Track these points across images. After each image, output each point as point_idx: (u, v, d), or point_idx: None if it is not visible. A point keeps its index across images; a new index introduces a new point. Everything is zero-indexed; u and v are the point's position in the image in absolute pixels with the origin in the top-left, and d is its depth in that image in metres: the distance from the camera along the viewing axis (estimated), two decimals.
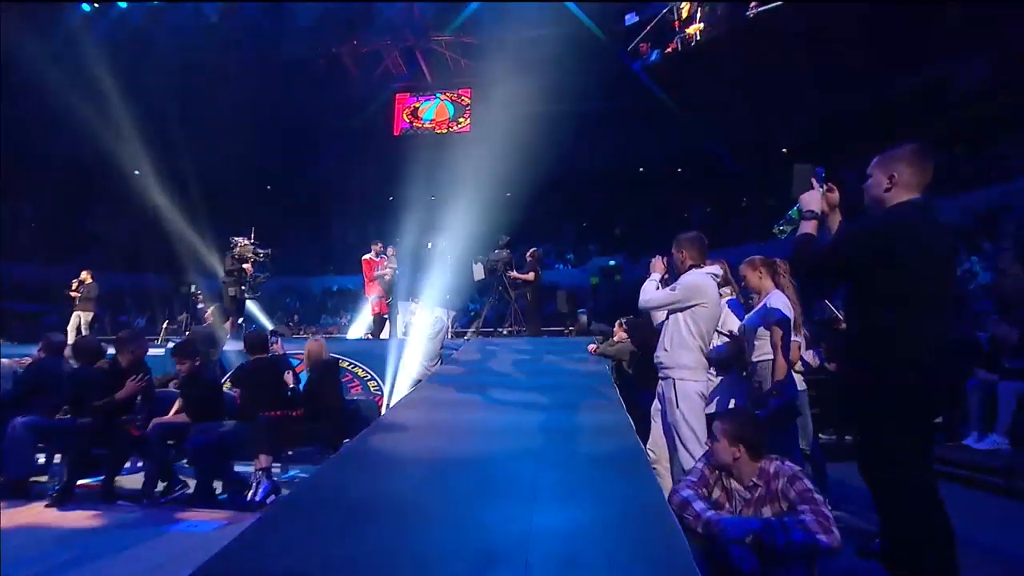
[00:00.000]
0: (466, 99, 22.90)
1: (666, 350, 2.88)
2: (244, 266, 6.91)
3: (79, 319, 9.25)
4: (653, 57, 18.98)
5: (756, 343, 3.11)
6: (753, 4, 16.59)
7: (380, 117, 22.96)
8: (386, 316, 8.16)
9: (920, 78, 15.34)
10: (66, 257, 18.53)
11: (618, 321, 4.95)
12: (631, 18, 19.39)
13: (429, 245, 8.63)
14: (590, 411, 3.18)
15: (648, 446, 2.98)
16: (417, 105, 23.39)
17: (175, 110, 19.48)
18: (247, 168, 22.82)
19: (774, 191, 19.93)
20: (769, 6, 16.26)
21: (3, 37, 14.16)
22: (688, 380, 2.79)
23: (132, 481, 3.98)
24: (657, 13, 18.65)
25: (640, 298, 3.01)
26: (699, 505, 1.98)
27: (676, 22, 18.47)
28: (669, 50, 18.58)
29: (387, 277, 8.02)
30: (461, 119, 23.04)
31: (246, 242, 7.06)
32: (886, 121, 15.16)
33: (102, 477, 3.70)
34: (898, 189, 1.88)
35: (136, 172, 21.94)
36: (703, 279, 2.89)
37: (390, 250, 8.42)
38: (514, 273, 7.79)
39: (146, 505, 3.51)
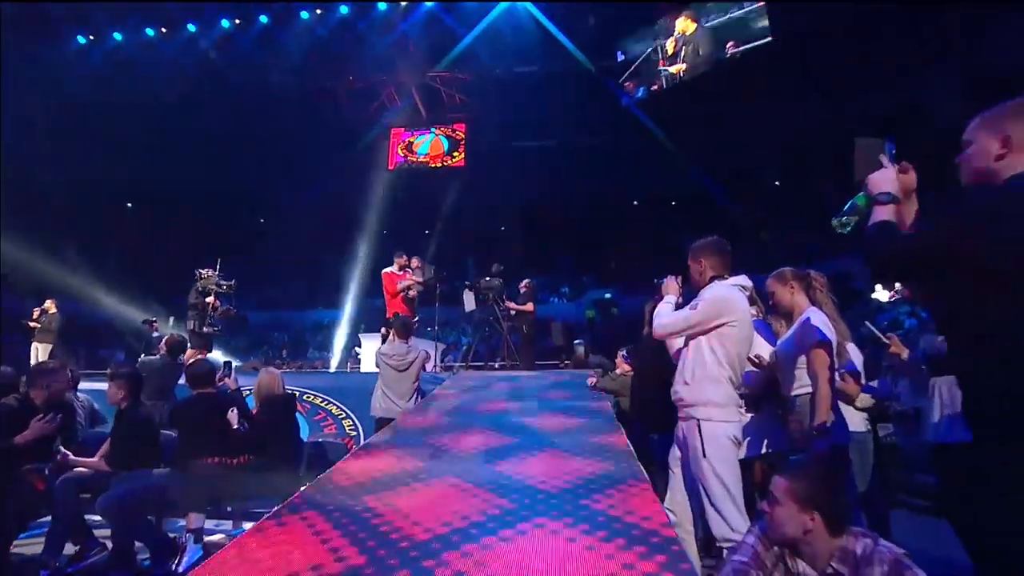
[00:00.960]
0: (460, 133, 22.89)
1: (687, 383, 2.31)
2: (207, 299, 6.36)
3: (37, 351, 8.62)
4: (640, 94, 19.11)
5: (795, 373, 2.52)
6: (730, 45, 16.73)
7: (374, 151, 22.86)
8: None
9: (897, 99, 15.31)
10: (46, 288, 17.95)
11: (620, 352, 4.37)
12: (619, 56, 19.61)
13: None
14: (594, 457, 2.57)
15: (666, 504, 2.37)
16: (412, 139, 23.37)
17: (166, 142, 19.34)
18: (240, 200, 22.63)
19: (765, 224, 19.90)
20: (745, 47, 16.36)
21: None
22: (716, 421, 2.22)
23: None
24: (642, 52, 18.86)
25: (654, 323, 2.48)
26: None
27: (661, 60, 18.66)
28: (655, 88, 18.73)
29: (412, 293, 7.05)
30: (456, 153, 22.97)
31: (210, 273, 6.53)
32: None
33: None
34: (1016, 155, 1.37)
35: (129, 205, 21.68)
36: (730, 292, 2.35)
37: (415, 261, 7.37)
38: (512, 304, 7.27)
39: None
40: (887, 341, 3.44)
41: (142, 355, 5.08)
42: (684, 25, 15.88)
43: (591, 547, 1.61)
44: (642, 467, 2.40)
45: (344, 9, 14.54)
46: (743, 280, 2.44)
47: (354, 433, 5.59)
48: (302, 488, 2.22)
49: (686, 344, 2.41)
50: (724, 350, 2.27)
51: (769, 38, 15.95)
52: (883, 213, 1.52)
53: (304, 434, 4.79)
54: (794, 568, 1.51)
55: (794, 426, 2.52)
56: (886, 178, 1.57)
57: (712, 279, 2.42)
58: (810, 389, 2.42)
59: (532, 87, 20.12)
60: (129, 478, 3.03)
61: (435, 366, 7.18)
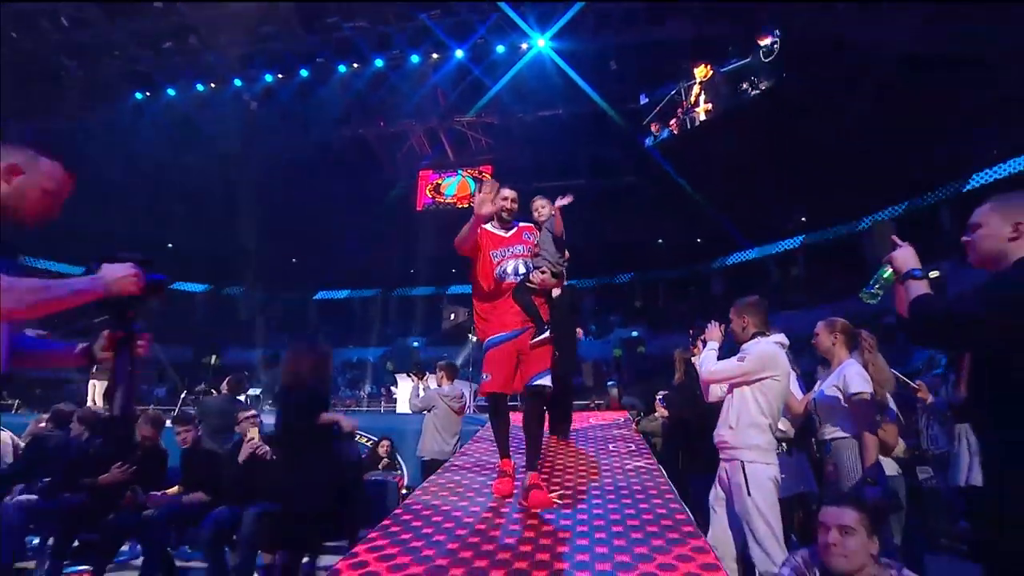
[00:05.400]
0: (487, 175, 23.51)
1: (731, 428, 2.58)
2: None
3: (94, 388, 8.97)
4: (663, 135, 19.43)
5: (831, 418, 2.74)
6: (745, 84, 16.78)
7: (403, 193, 23.58)
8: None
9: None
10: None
11: (657, 397, 4.59)
12: (643, 99, 20.07)
13: (451, 316, 8.34)
14: (640, 497, 2.67)
15: (708, 541, 2.54)
16: (440, 181, 24.05)
17: (206, 187, 20.30)
18: (272, 242, 23.36)
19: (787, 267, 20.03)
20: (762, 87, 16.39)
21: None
22: (759, 463, 2.48)
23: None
24: (666, 95, 19.30)
25: (701, 368, 2.77)
26: None
27: (684, 102, 19.00)
28: (676, 131, 19.00)
29: (537, 279, 2.84)
30: None
31: None
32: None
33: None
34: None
35: (170, 245, 22.72)
36: (774, 349, 2.64)
37: (540, 206, 3.13)
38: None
39: None
40: (915, 387, 3.61)
41: (200, 395, 5.34)
42: (703, 71, 16.49)
43: None
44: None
45: (379, 63, 15.45)
46: (782, 338, 2.71)
47: (399, 472, 5.76)
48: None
49: (730, 391, 2.67)
50: (767, 400, 2.54)
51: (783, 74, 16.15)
52: (921, 287, 1.68)
53: None
54: None
55: (829, 468, 2.74)
56: (910, 255, 1.74)
57: (755, 335, 2.71)
58: (844, 434, 2.65)
59: (556, 130, 20.74)
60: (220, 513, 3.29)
61: (471, 407, 7.35)
